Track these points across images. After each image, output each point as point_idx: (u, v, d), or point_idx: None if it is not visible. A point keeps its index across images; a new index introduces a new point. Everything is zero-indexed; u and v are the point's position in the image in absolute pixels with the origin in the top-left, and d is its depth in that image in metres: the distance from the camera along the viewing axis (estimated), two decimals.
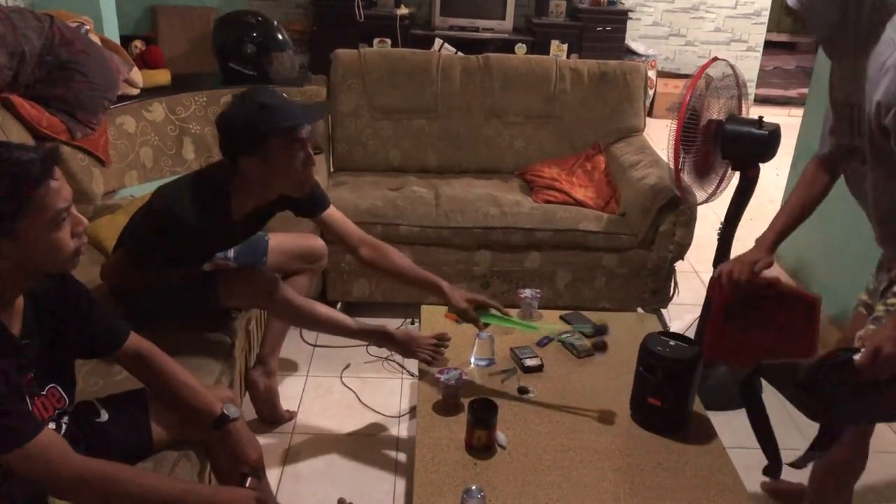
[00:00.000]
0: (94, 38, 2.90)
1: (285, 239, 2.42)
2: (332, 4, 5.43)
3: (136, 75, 3.05)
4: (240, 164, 1.89)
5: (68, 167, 2.56)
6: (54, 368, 1.48)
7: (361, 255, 2.20)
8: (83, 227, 1.35)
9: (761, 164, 2.46)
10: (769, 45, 6.78)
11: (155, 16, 5.47)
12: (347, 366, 2.78)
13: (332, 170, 3.42)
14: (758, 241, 2.02)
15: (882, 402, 1.62)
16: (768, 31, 6.45)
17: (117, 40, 3.43)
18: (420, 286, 2.23)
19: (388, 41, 5.39)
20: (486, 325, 2.16)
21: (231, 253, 2.34)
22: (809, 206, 1.98)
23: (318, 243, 2.48)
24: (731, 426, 2.48)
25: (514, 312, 2.40)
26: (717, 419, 2.24)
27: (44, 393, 1.44)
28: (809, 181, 1.96)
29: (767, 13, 6.25)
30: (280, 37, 3.41)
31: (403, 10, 5.46)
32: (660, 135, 2.73)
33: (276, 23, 3.47)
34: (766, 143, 2.36)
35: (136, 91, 3.04)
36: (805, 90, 4.38)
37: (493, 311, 2.16)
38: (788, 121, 2.35)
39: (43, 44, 2.56)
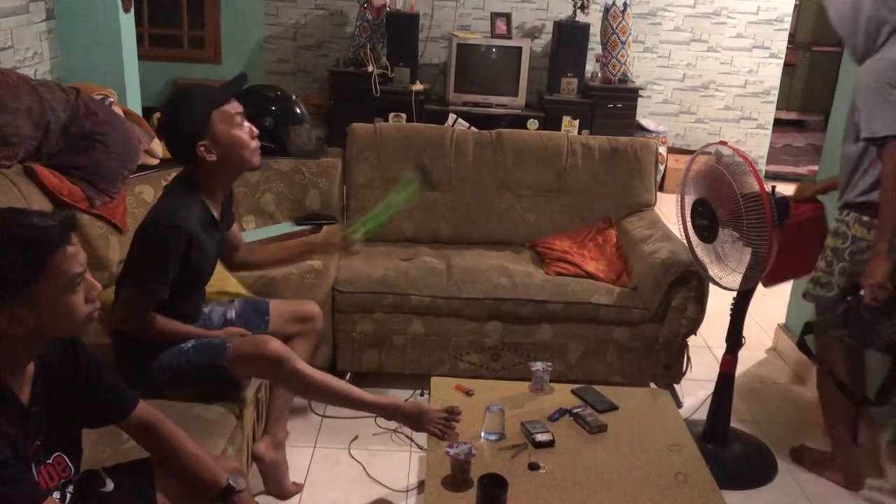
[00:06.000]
0: (118, 109, 2.98)
1: (283, 304, 2.51)
2: (349, 80, 5.58)
3: (157, 146, 3.12)
4: (196, 157, 2.03)
5: (86, 234, 2.59)
6: (61, 437, 1.47)
7: (239, 256, 2.43)
8: (97, 293, 1.37)
9: None
10: (779, 123, 6.87)
11: (176, 88, 5.64)
12: (356, 437, 2.74)
13: None
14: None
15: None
16: (778, 108, 6.56)
17: (139, 112, 3.53)
18: (299, 256, 2.57)
19: (404, 115, 5.50)
20: (355, 240, 2.40)
21: (232, 314, 2.36)
22: None
23: (312, 306, 2.54)
24: None
25: (525, 385, 2.38)
26: (735, 498, 2.19)
27: (50, 461, 1.43)
28: None
29: (776, 92, 6.36)
30: (298, 110, 3.49)
31: (419, 86, 5.59)
32: (671, 210, 2.75)
33: (294, 97, 3.56)
34: (784, 211, 2.40)
35: (155, 161, 3.10)
36: (815, 167, 4.42)
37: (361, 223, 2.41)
38: None
39: (68, 116, 2.64)
